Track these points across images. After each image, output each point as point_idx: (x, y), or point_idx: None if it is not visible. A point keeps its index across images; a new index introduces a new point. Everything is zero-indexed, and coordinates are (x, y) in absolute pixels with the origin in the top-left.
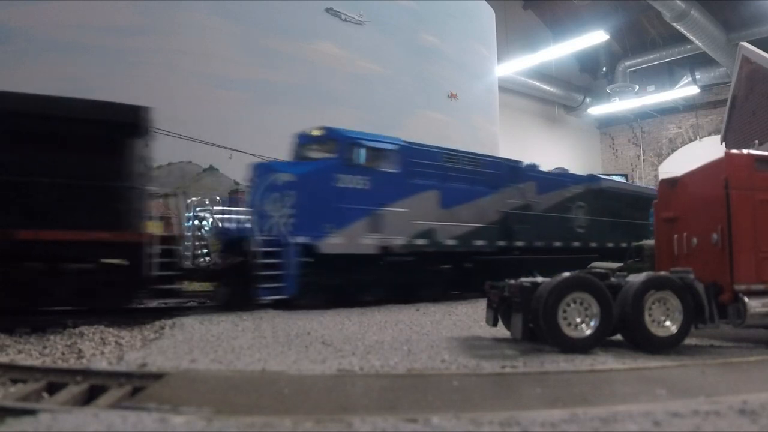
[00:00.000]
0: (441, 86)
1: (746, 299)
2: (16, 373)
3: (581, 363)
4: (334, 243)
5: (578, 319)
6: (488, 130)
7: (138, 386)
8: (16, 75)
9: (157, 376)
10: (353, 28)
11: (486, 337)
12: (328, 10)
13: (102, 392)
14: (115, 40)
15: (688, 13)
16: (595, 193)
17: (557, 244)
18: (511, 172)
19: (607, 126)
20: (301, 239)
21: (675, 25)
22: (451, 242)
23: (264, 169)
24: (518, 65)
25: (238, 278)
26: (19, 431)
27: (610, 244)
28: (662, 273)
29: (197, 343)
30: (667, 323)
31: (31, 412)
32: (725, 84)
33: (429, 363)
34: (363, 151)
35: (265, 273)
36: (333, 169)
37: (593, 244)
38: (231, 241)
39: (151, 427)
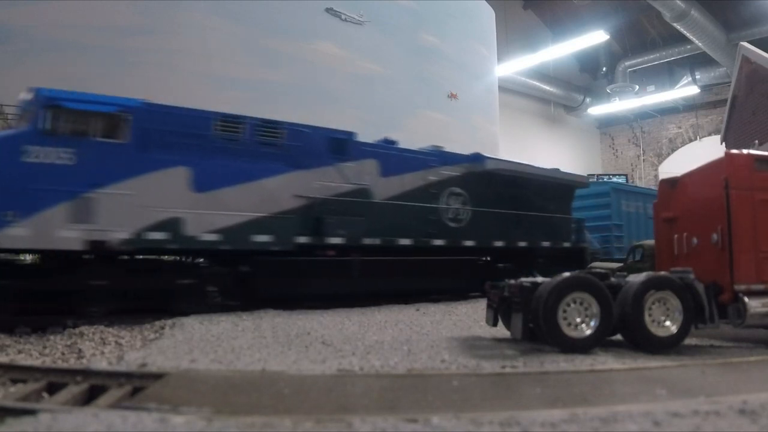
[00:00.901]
0: (441, 86)
1: (746, 299)
2: (16, 373)
3: (581, 363)
4: (14, 236)
5: (578, 319)
6: (488, 130)
7: (138, 386)
8: (16, 75)
9: (157, 376)
10: (353, 28)
11: (486, 337)
12: (328, 10)
13: (102, 392)
14: (115, 40)
15: (688, 13)
16: (478, 178)
17: (405, 242)
18: (332, 146)
19: (607, 126)
20: None
21: (675, 25)
22: (209, 237)
23: None
24: (518, 65)
25: None
26: (19, 431)
27: (500, 243)
28: (662, 273)
29: (197, 343)
30: (667, 323)
31: (31, 412)
32: (725, 84)
33: (429, 363)
34: (64, 115)
35: None
36: (19, 140)
37: (469, 243)
38: None
39: (151, 427)
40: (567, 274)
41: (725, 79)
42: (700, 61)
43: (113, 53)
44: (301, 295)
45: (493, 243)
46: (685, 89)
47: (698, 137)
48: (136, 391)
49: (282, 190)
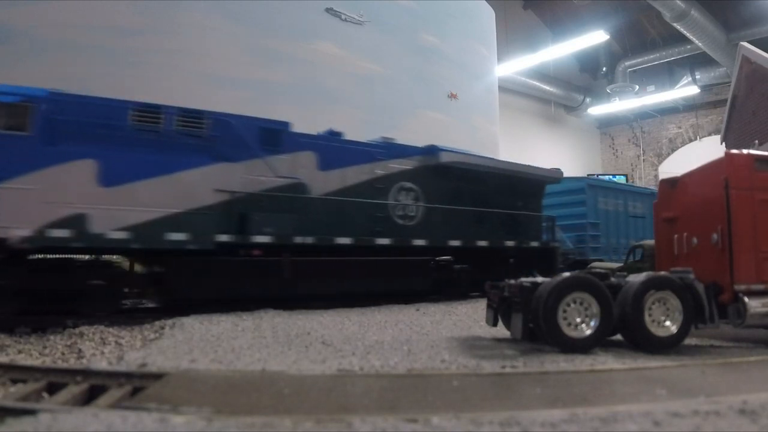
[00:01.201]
0: (441, 86)
1: (746, 299)
2: (16, 373)
3: (581, 363)
4: None
5: (578, 319)
6: (488, 130)
7: (138, 386)
8: (16, 75)
9: (157, 376)
10: (353, 28)
11: (486, 337)
12: (328, 10)
13: (102, 392)
14: (115, 40)
15: (688, 13)
16: (433, 172)
17: (344, 240)
18: (263, 137)
19: (607, 126)
20: None
21: (675, 25)
22: (118, 235)
23: None
24: (518, 65)
25: None
26: (19, 431)
27: (457, 243)
28: (662, 273)
29: (197, 343)
30: (667, 323)
31: (31, 412)
32: (725, 84)
33: (429, 363)
34: None
35: None
36: None
37: (421, 242)
38: None
39: (151, 427)
40: (567, 274)
41: (725, 79)
42: (700, 61)
43: (113, 53)
44: (225, 297)
45: (449, 242)
46: (685, 89)
47: (698, 137)
48: (136, 391)
49: (202, 185)
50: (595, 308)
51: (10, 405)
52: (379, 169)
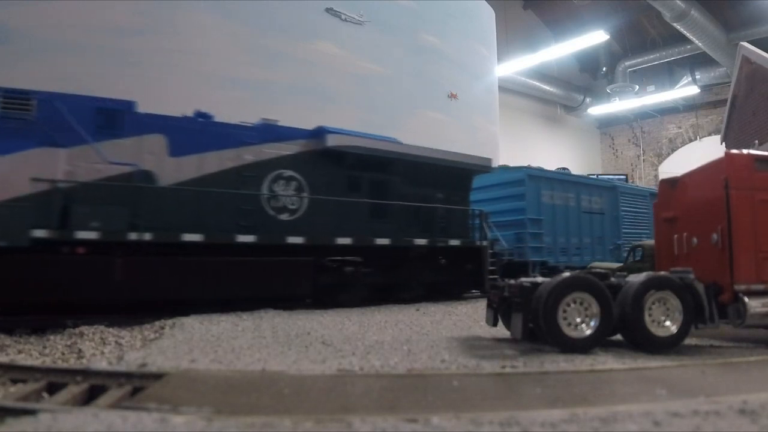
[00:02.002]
0: (441, 86)
1: (746, 299)
2: (16, 373)
3: (581, 363)
4: None
5: (578, 319)
6: (488, 130)
7: (138, 386)
8: (16, 75)
9: (157, 376)
10: (353, 28)
11: (486, 337)
12: (328, 10)
13: (102, 392)
14: (115, 40)
15: (688, 13)
16: (320, 158)
17: (193, 237)
18: (101, 119)
19: (607, 126)
20: None
21: (675, 25)
22: None
23: None
24: (518, 65)
25: None
26: (19, 431)
27: (347, 241)
28: (662, 273)
29: (197, 343)
30: (667, 323)
31: (31, 412)
32: (725, 84)
33: (429, 363)
34: None
35: None
36: None
37: (298, 240)
38: None
39: (151, 427)
40: (567, 274)
41: (725, 79)
42: (700, 61)
43: (113, 53)
44: (41, 300)
45: (336, 240)
46: (685, 89)
47: (698, 137)
48: (136, 391)
49: (16, 173)
50: (595, 308)
51: (10, 405)
52: (249, 154)
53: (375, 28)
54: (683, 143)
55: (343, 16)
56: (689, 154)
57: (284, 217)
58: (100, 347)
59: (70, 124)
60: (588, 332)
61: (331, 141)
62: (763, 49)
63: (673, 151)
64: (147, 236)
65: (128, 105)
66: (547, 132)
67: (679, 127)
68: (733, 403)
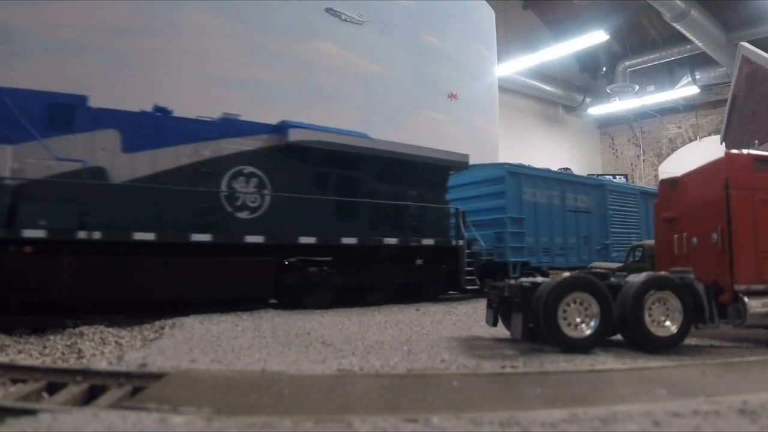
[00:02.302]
0: (441, 86)
1: (746, 299)
2: (16, 373)
3: (581, 363)
4: None
5: (578, 319)
6: (488, 130)
7: (138, 386)
8: (16, 75)
9: (157, 376)
10: (353, 28)
11: (486, 337)
12: (328, 10)
13: (102, 392)
14: (115, 40)
15: (688, 13)
16: (283, 154)
17: (144, 236)
18: (51, 113)
19: (607, 126)
20: None
21: (675, 25)
22: None
23: None
24: (518, 65)
25: None
26: (19, 431)
27: (311, 240)
28: (662, 273)
29: (197, 343)
30: (667, 323)
31: (31, 412)
32: (725, 84)
33: (429, 363)
34: None
35: None
36: None
37: (257, 239)
38: None
39: (151, 427)
40: (567, 274)
41: (725, 79)
42: (700, 61)
43: (113, 53)
44: None
45: (299, 239)
46: (685, 89)
47: (698, 137)
48: (136, 391)
49: None
50: (595, 308)
51: (10, 405)
52: (207, 150)
53: (375, 28)
54: (683, 143)
55: (343, 16)
56: (689, 154)
57: (244, 215)
58: (100, 347)
59: (18, 119)
60: (588, 332)
61: (294, 136)
62: (763, 49)
63: (673, 151)
64: (96, 235)
65: (80, 100)
66: (547, 132)
67: (679, 127)
68: (733, 403)
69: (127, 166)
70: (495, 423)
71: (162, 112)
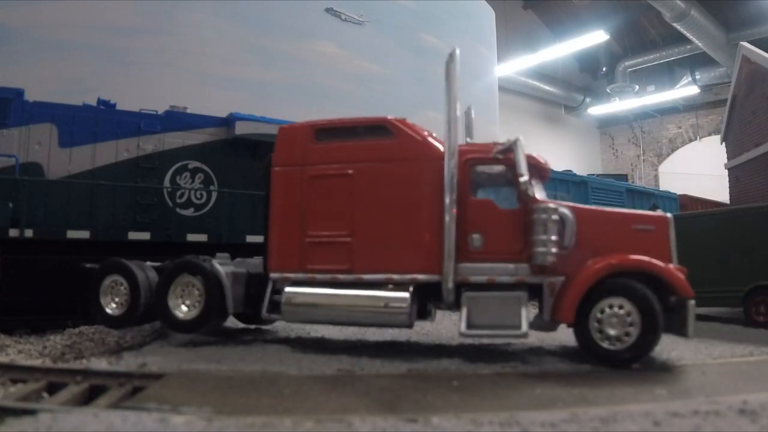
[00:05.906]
0: (441, 86)
1: (288, 289)
2: (16, 373)
3: (581, 363)
4: None
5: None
6: (488, 130)
7: (138, 386)
8: (16, 75)
9: (157, 376)
10: (353, 28)
11: None
12: (328, 10)
13: (102, 392)
14: (115, 40)
15: (688, 13)
16: (231, 148)
17: (78, 234)
18: None
19: (607, 126)
20: None
21: (675, 25)
22: None
23: None
24: (518, 65)
25: None
26: (19, 431)
27: (260, 239)
28: (190, 257)
29: (197, 343)
30: (184, 308)
31: (31, 412)
32: (725, 84)
33: (429, 363)
34: None
35: None
36: None
37: (201, 238)
38: None
39: (151, 427)
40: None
41: (725, 79)
42: (700, 61)
43: (113, 53)
44: None
45: (247, 238)
46: (685, 89)
47: (698, 137)
48: (136, 391)
49: None
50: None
51: (10, 405)
52: (150, 144)
53: (375, 28)
54: (683, 143)
55: (343, 16)
56: (689, 154)
57: (188, 212)
58: (100, 347)
59: None
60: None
61: (241, 129)
62: (763, 49)
63: (673, 151)
64: (28, 233)
65: (15, 93)
66: (547, 132)
67: (679, 127)
68: (733, 403)
69: (64, 161)
70: (495, 423)
71: (105, 105)
